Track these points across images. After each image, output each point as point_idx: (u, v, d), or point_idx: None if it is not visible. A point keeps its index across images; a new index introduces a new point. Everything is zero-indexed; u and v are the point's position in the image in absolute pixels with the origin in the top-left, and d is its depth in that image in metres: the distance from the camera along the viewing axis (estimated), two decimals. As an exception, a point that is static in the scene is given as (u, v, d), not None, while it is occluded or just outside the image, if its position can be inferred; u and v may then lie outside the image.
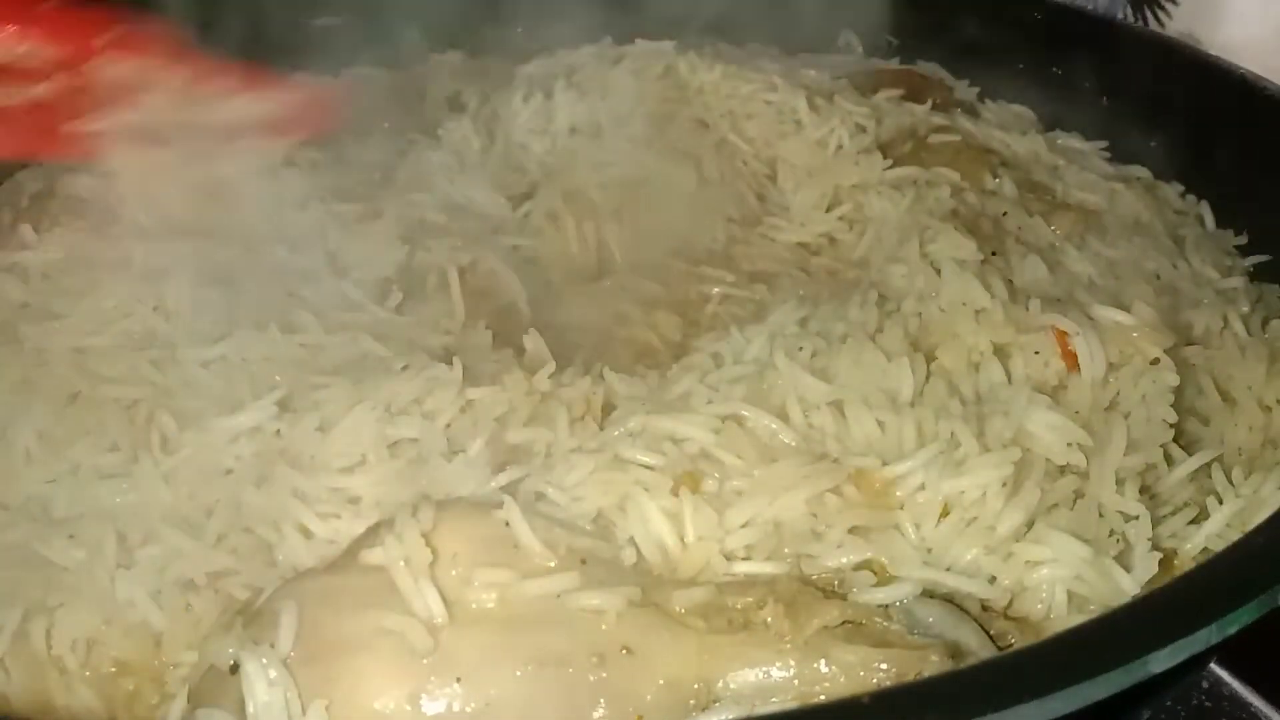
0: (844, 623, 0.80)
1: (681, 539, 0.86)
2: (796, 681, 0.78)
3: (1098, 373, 0.98)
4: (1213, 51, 1.48)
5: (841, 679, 0.77)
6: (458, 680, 0.76)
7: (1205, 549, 0.93)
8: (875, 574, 0.86)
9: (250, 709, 0.75)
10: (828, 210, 1.34)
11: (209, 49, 1.32)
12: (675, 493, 0.87)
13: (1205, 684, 1.03)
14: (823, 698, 0.77)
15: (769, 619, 0.80)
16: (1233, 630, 0.72)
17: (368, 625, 0.78)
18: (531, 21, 1.71)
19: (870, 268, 1.22)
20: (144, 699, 0.87)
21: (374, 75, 1.61)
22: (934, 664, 0.77)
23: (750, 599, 0.81)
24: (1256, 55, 1.41)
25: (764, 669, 0.78)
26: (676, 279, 1.25)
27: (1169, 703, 1.02)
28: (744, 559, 0.86)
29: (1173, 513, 0.95)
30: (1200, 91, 1.37)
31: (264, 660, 0.77)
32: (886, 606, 0.83)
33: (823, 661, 0.78)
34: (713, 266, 1.27)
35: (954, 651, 0.79)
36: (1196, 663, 0.86)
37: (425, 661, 0.77)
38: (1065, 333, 1.00)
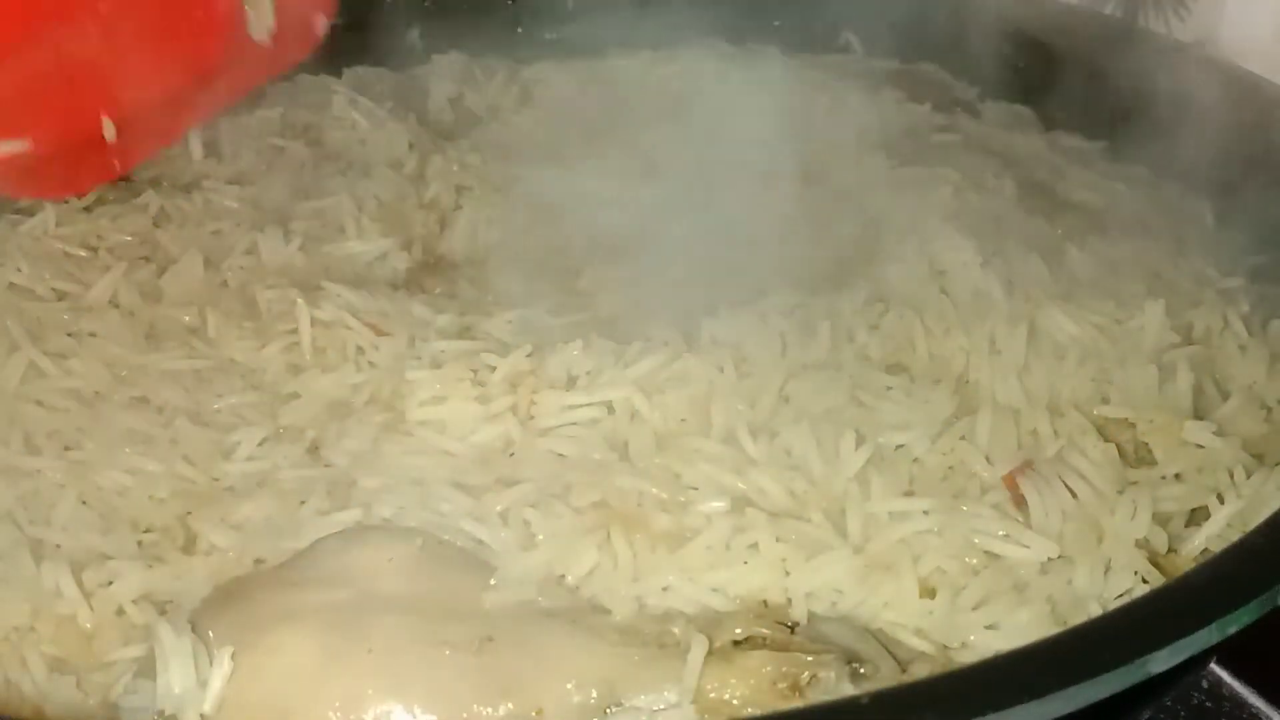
0: (749, 636, 0.82)
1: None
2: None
3: (1049, 528, 0.92)
4: (1216, 52, 1.48)
5: (733, 680, 0.80)
6: (369, 651, 0.79)
7: (1205, 549, 0.93)
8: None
9: (158, 654, 0.79)
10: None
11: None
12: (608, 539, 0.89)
13: (1205, 684, 1.03)
14: (732, 701, 0.79)
15: (677, 631, 0.82)
16: (1233, 630, 0.71)
17: (295, 601, 0.83)
18: (533, 22, 1.71)
19: (871, 266, 1.22)
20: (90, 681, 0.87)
21: (374, 75, 1.61)
22: (829, 663, 0.80)
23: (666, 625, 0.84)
24: (1259, 55, 1.41)
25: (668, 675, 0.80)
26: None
27: (1169, 703, 1.02)
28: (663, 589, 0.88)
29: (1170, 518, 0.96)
30: (1202, 92, 1.37)
31: (176, 620, 0.82)
32: (793, 626, 0.85)
33: (724, 667, 0.80)
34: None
35: (852, 657, 0.81)
36: (1196, 663, 0.85)
37: (342, 633, 0.80)
38: (1015, 477, 0.96)
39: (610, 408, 0.99)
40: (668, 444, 0.97)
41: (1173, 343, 1.09)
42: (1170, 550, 0.93)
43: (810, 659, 0.80)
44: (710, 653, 0.80)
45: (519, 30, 1.71)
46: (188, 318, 1.15)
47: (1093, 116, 1.47)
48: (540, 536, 0.90)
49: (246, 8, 1.28)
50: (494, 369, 1.02)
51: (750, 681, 0.80)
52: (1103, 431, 1.00)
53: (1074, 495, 0.93)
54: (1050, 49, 1.49)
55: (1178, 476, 0.98)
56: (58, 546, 0.92)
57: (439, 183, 1.39)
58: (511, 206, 1.38)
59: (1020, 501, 0.93)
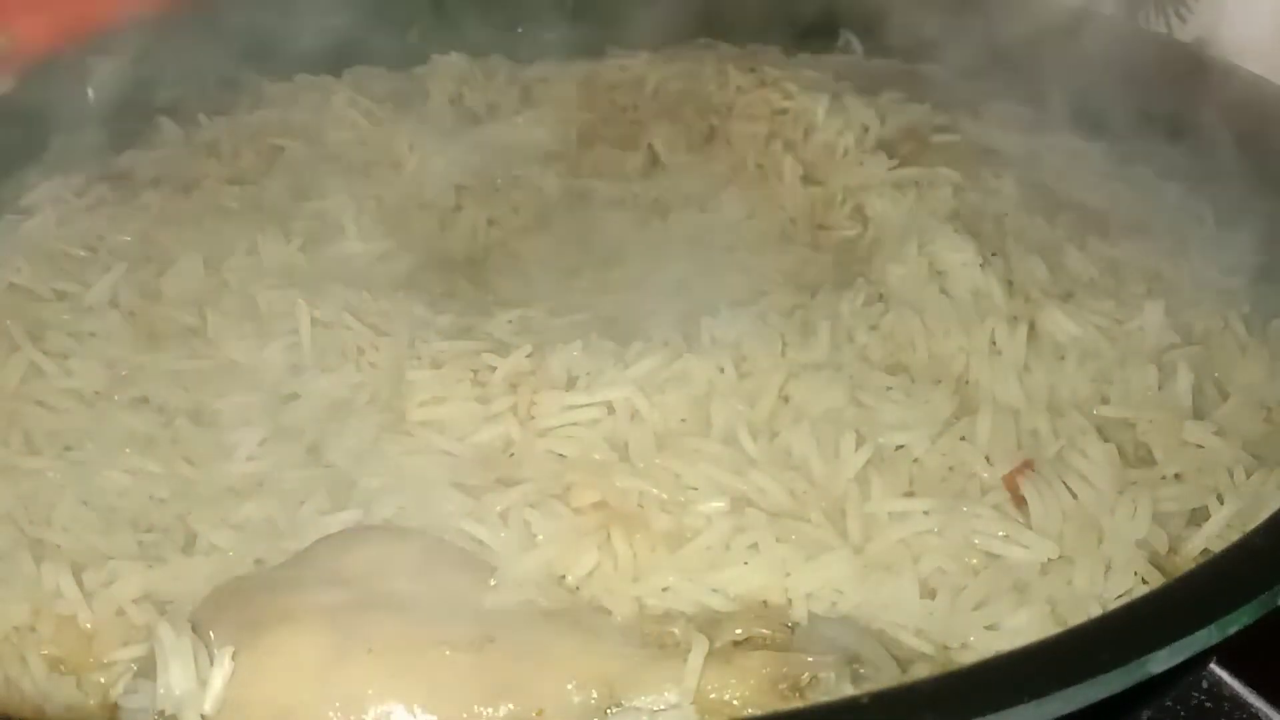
0: (749, 637, 0.83)
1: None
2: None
3: (1049, 528, 0.92)
4: (1216, 52, 1.48)
5: (734, 681, 0.80)
6: (369, 651, 0.79)
7: (1205, 549, 0.93)
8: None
9: (159, 654, 0.79)
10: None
11: (206, 51, 1.34)
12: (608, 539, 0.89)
13: (1205, 684, 1.03)
14: (733, 701, 0.79)
15: (677, 631, 0.83)
16: (1232, 631, 0.71)
17: (296, 601, 0.83)
18: (532, 23, 1.71)
19: (871, 266, 1.22)
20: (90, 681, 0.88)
21: (374, 75, 1.61)
22: (829, 664, 0.80)
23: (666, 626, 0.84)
24: (1258, 55, 1.41)
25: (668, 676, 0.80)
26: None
27: (1169, 703, 1.02)
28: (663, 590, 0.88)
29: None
30: (1202, 91, 1.37)
31: (177, 620, 0.82)
32: (793, 627, 0.85)
33: (724, 668, 0.81)
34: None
35: (852, 657, 0.81)
36: (1196, 663, 0.86)
37: (342, 633, 0.80)
38: (1015, 477, 0.96)
39: (610, 408, 0.99)
40: (668, 444, 0.97)
41: (1173, 343, 1.09)
42: (1170, 550, 0.93)
43: (810, 660, 0.80)
44: (710, 653, 0.80)
45: (519, 30, 1.71)
46: (188, 318, 1.15)
47: (1093, 116, 1.46)
48: (540, 537, 0.90)
49: None
50: (494, 369, 1.02)
51: (750, 682, 0.80)
52: (1103, 432, 1.00)
53: (1074, 495, 0.94)
54: (1050, 49, 1.49)
55: (1178, 477, 0.98)
56: (58, 547, 0.93)
57: (439, 183, 1.39)
58: (511, 206, 1.38)
59: (1020, 502, 0.93)
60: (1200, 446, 1.00)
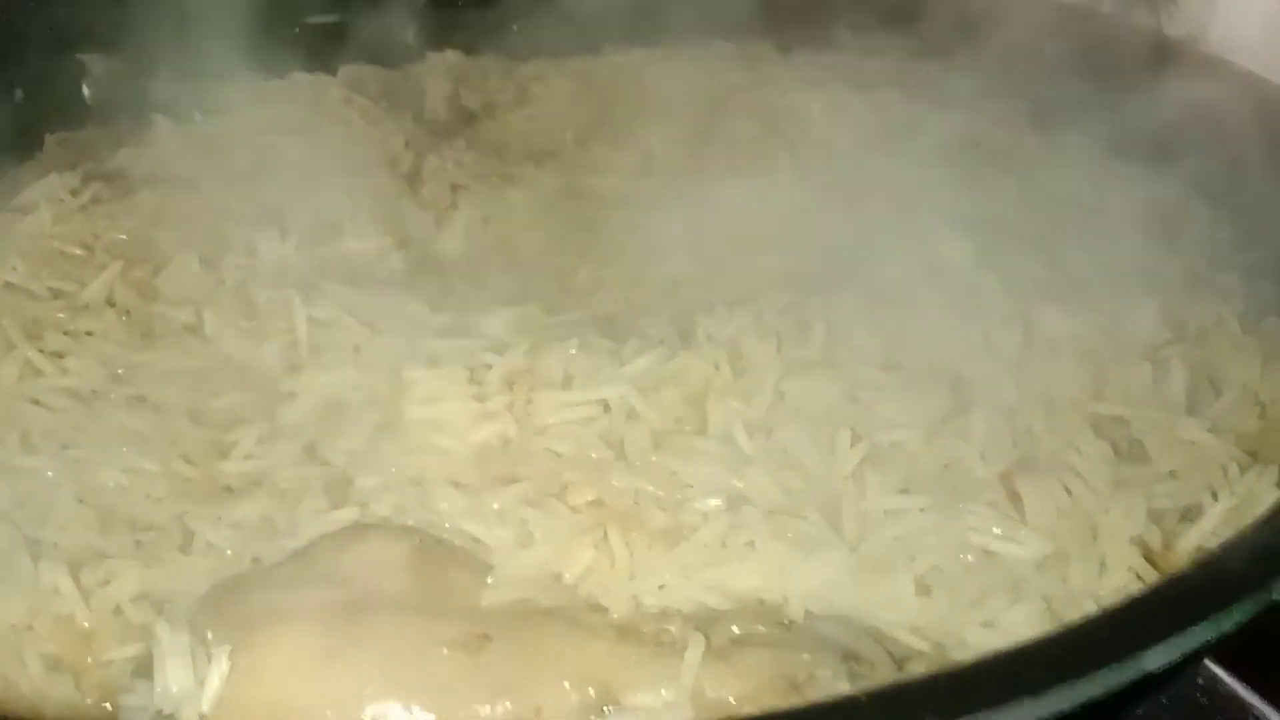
0: (746, 635, 0.83)
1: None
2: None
3: (1044, 525, 0.92)
4: (1210, 50, 1.48)
5: (730, 679, 0.80)
6: (366, 650, 0.80)
7: (1200, 546, 0.93)
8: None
9: (156, 653, 0.80)
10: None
11: (204, 45, 1.34)
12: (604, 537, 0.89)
13: (1201, 681, 1.03)
14: (729, 699, 0.79)
15: (674, 629, 0.83)
16: (1228, 628, 0.72)
17: (293, 599, 0.83)
18: (529, 21, 1.71)
19: (868, 264, 1.22)
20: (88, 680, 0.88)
21: (370, 73, 1.61)
22: (826, 661, 0.80)
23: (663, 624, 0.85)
24: (1247, 52, 1.41)
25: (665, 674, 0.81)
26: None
27: (1165, 700, 1.02)
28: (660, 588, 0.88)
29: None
30: (1198, 89, 1.37)
31: (175, 619, 0.82)
32: (789, 624, 0.85)
33: (721, 666, 0.81)
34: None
35: (848, 655, 0.82)
36: (1192, 660, 0.86)
37: (339, 632, 0.80)
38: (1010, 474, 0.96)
39: (606, 406, 0.99)
40: (664, 442, 0.97)
41: (1167, 340, 1.09)
42: (1165, 547, 0.93)
43: (807, 657, 0.81)
44: (707, 651, 0.81)
45: (516, 29, 1.71)
46: (185, 316, 1.15)
47: (1092, 116, 1.47)
48: (537, 535, 0.91)
49: None
50: (490, 368, 1.02)
51: (747, 680, 0.80)
52: (1097, 429, 1.00)
53: (1069, 492, 0.94)
54: (1049, 48, 1.49)
55: (1172, 474, 0.98)
56: (55, 545, 0.93)
57: (435, 181, 1.39)
58: (508, 205, 1.38)
59: (1016, 498, 0.94)
60: (1194, 443, 1.00)
